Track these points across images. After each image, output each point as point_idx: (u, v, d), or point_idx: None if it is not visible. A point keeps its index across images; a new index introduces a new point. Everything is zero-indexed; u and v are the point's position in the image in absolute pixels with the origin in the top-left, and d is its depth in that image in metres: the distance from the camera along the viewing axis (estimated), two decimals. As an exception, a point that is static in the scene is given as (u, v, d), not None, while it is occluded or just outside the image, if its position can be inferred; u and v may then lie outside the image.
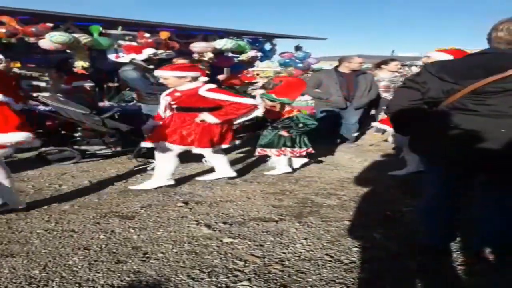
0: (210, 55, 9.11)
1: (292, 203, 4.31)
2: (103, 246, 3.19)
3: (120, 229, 3.54)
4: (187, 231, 3.54)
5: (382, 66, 7.53)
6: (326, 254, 3.11)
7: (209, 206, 4.18)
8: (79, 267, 2.86)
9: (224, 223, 3.73)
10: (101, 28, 7.71)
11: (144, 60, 6.44)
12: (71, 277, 2.74)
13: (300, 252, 3.15)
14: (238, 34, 10.40)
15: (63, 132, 6.08)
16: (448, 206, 2.95)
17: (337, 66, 7.38)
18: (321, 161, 6.16)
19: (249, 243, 3.29)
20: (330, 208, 4.17)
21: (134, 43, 7.77)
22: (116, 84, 8.90)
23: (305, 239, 3.39)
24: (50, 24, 7.18)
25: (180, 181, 5.01)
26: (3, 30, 6.66)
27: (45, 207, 4.06)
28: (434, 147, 2.79)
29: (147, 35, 8.05)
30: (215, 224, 3.69)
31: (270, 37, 11.47)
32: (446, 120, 2.67)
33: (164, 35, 8.36)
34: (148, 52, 6.56)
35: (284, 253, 3.13)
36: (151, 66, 6.47)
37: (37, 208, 4.02)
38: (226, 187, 4.83)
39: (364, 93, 7.22)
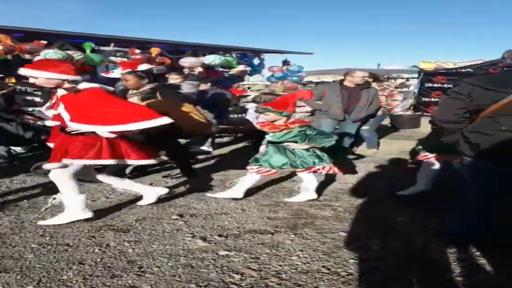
0: (200, 69, 9.27)
1: (287, 215, 4.31)
2: (98, 260, 3.17)
3: (115, 242, 3.52)
4: (182, 244, 3.52)
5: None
6: (323, 266, 3.10)
7: (204, 219, 4.16)
8: (74, 282, 2.83)
9: (220, 235, 3.71)
10: (93, 45, 7.83)
11: None
12: (66, 292, 2.71)
13: (297, 265, 3.14)
14: (226, 50, 10.56)
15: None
16: (491, 204, 3.28)
17: (342, 80, 7.38)
18: None
19: (245, 255, 3.28)
20: (325, 220, 4.17)
21: (125, 59, 7.89)
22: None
23: (301, 251, 3.39)
24: (44, 42, 7.29)
25: (174, 194, 4.99)
26: (1, 47, 6.74)
27: (39, 221, 4.03)
28: (485, 148, 3.13)
29: (138, 51, 8.18)
30: (211, 237, 3.68)
31: (258, 52, 11.66)
32: (496, 123, 3.08)
33: (155, 51, 8.49)
34: (143, 67, 6.63)
35: (280, 265, 3.12)
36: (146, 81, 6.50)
37: (30, 222, 3.99)
38: (220, 199, 4.81)
39: (364, 107, 7.18)
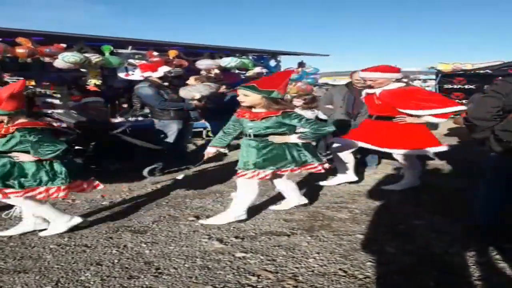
0: (217, 71, 9.33)
1: (303, 217, 4.29)
2: (116, 261, 3.20)
3: (132, 243, 3.55)
4: (199, 245, 3.53)
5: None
6: (340, 269, 3.09)
7: (221, 220, 4.17)
8: (92, 282, 2.86)
9: (236, 237, 3.72)
10: (112, 48, 7.94)
11: (159, 78, 6.53)
12: (84, 293, 2.74)
13: (313, 267, 3.12)
14: (243, 52, 10.61)
15: (76, 147, 6.14)
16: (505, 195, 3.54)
17: (350, 82, 6.88)
18: None
19: (262, 257, 3.28)
20: (342, 222, 4.15)
21: (143, 61, 8.00)
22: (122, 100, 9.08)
23: (318, 253, 3.37)
24: (64, 45, 7.42)
25: (190, 195, 5.01)
26: (23, 51, 6.89)
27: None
28: None
29: (155, 53, 8.28)
30: (227, 239, 3.68)
31: (274, 54, 11.68)
32: None
33: (172, 53, 8.59)
34: (163, 70, 6.68)
35: (297, 267, 3.11)
36: (166, 84, 6.60)
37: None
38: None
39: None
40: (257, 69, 10.40)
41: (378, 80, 5.25)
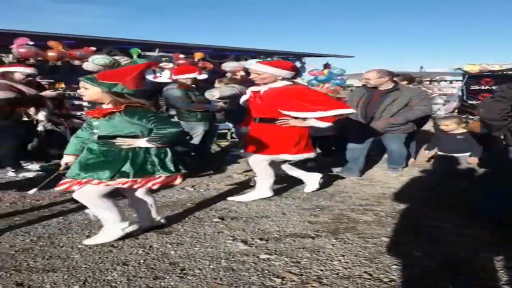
0: (242, 73, 9.42)
1: (328, 219, 4.28)
2: (142, 261, 3.23)
3: (158, 244, 3.58)
4: (223, 247, 3.55)
5: None
6: (365, 272, 3.07)
7: (245, 222, 4.19)
8: (118, 282, 2.90)
9: (261, 239, 3.73)
10: (140, 50, 8.15)
11: (189, 80, 6.60)
12: (111, 293, 2.78)
13: (338, 270, 3.12)
14: (268, 54, 10.70)
15: None
16: None
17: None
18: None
19: (286, 259, 3.28)
20: (367, 224, 4.12)
21: (171, 64, 8.20)
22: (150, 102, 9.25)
23: (343, 256, 3.36)
24: (93, 48, 7.65)
25: (215, 196, 5.04)
26: (53, 54, 7.12)
27: (86, 222, 4.14)
28: None
29: (182, 56, 8.41)
30: (252, 240, 3.69)
31: (299, 56, 11.70)
32: None
33: (198, 56, 8.71)
34: (195, 75, 6.73)
35: (321, 270, 3.11)
36: (193, 86, 6.68)
37: (78, 223, 4.10)
38: (261, 202, 4.83)
39: (384, 113, 6.01)
40: None
41: (262, 75, 4.78)
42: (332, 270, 3.10)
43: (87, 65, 7.60)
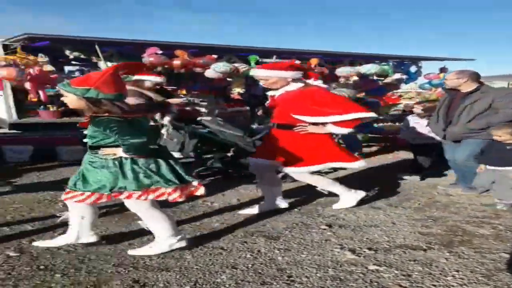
0: (355, 78, 9.39)
1: (441, 231, 4.08)
2: (250, 265, 3.30)
3: (266, 249, 3.63)
4: (331, 255, 3.51)
5: None
6: (482, 291, 2.89)
7: (353, 230, 4.12)
8: (227, 285, 2.98)
9: (369, 248, 3.64)
10: (258, 57, 8.45)
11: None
12: (220, 295, 2.86)
13: (452, 286, 2.96)
14: (383, 58, 10.49)
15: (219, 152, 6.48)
16: None
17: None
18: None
19: (396, 272, 3.18)
20: (484, 238, 3.88)
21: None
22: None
23: (457, 271, 3.18)
24: (215, 56, 8.11)
25: (322, 202, 5.01)
26: (178, 62, 7.67)
27: (198, 223, 4.31)
28: None
29: (298, 62, 8.61)
30: (360, 250, 3.62)
31: (415, 60, 11.33)
32: None
33: (313, 61, 8.86)
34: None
35: (434, 285, 2.97)
36: None
37: (190, 224, 4.28)
38: (370, 211, 4.73)
39: (461, 119, 5.41)
40: (397, 76, 10.23)
41: (269, 80, 4.61)
42: (445, 286, 2.96)
43: (209, 72, 8.09)
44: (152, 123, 6.15)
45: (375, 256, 3.49)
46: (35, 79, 7.63)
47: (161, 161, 3.33)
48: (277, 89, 4.62)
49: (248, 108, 8.96)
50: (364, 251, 3.58)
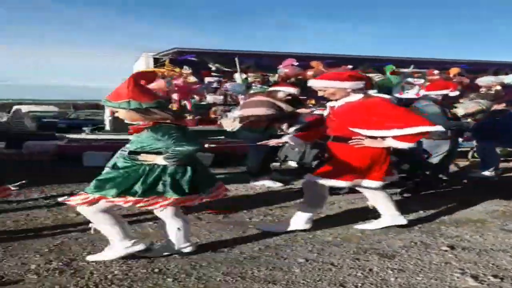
0: (498, 88, 8.88)
1: None
2: (359, 284, 3.16)
3: (378, 268, 3.46)
4: (449, 280, 3.25)
5: None
6: None
7: (478, 254, 3.78)
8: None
9: (495, 276, 3.31)
10: (394, 67, 8.40)
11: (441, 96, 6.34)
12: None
13: None
14: None
15: None
16: None
17: None
18: None
19: (523, 305, 2.86)
20: None
21: (422, 80, 8.31)
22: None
23: None
24: (350, 66, 8.22)
25: (446, 221, 4.69)
26: (311, 73, 7.94)
27: (310, 236, 4.24)
28: None
29: (436, 71, 8.42)
30: (483, 276, 3.31)
31: None
32: None
33: (453, 71, 8.56)
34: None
35: None
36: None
37: (303, 236, 4.23)
38: (499, 233, 4.33)
39: None
40: None
41: (328, 90, 4.36)
42: None
43: None
44: (279, 132, 6.38)
45: (501, 285, 3.17)
46: (181, 90, 8.31)
47: (188, 170, 3.40)
48: (336, 100, 4.42)
49: None
50: (489, 279, 3.27)
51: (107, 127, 11.92)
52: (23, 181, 4.79)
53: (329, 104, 4.60)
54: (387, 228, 4.45)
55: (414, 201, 5.50)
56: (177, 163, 3.35)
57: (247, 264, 3.49)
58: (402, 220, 4.44)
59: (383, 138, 4.19)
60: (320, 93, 4.53)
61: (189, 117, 9.12)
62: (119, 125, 11.20)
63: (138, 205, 3.38)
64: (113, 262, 3.40)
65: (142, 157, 3.38)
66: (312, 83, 4.67)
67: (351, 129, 4.23)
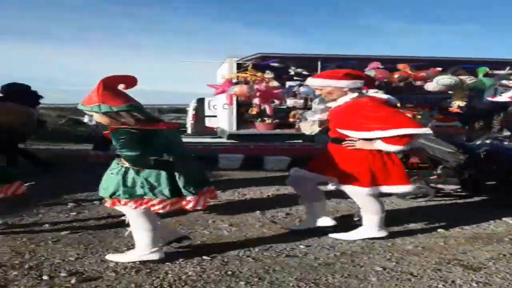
0: None
1: None
2: (439, 297, 2.98)
3: (462, 281, 3.24)
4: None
5: None
6: None
7: None
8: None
9: None
10: (487, 69, 8.11)
11: None
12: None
13: None
14: None
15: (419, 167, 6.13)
16: None
17: None
18: None
19: None
20: None
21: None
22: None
23: None
24: (439, 68, 8.05)
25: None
26: (397, 76, 7.85)
27: (389, 244, 4.07)
28: None
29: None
30: None
31: None
32: None
33: None
34: None
35: None
36: None
37: (381, 244, 4.07)
38: None
39: None
40: None
41: (325, 89, 4.20)
42: None
43: (430, 85, 8.07)
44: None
45: None
46: (263, 94, 8.46)
47: (163, 174, 3.34)
48: (335, 99, 4.22)
49: (459, 124, 8.45)
50: None
51: (189, 131, 12.29)
52: (32, 183, 5.16)
53: (328, 105, 4.49)
54: (473, 239, 4.20)
55: (504, 210, 5.13)
56: (136, 167, 3.36)
57: (322, 270, 3.40)
58: (383, 233, 4.17)
59: (371, 140, 3.98)
60: (317, 92, 4.46)
61: (268, 121, 9.19)
62: (200, 129, 11.52)
63: (116, 206, 3.48)
64: (188, 263, 3.45)
65: (120, 159, 3.46)
66: (309, 81, 4.56)
67: (339, 130, 4.11)
